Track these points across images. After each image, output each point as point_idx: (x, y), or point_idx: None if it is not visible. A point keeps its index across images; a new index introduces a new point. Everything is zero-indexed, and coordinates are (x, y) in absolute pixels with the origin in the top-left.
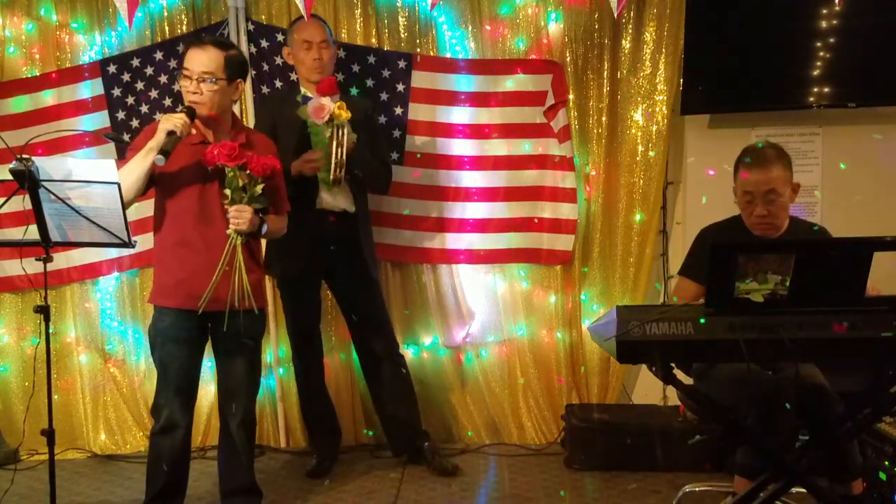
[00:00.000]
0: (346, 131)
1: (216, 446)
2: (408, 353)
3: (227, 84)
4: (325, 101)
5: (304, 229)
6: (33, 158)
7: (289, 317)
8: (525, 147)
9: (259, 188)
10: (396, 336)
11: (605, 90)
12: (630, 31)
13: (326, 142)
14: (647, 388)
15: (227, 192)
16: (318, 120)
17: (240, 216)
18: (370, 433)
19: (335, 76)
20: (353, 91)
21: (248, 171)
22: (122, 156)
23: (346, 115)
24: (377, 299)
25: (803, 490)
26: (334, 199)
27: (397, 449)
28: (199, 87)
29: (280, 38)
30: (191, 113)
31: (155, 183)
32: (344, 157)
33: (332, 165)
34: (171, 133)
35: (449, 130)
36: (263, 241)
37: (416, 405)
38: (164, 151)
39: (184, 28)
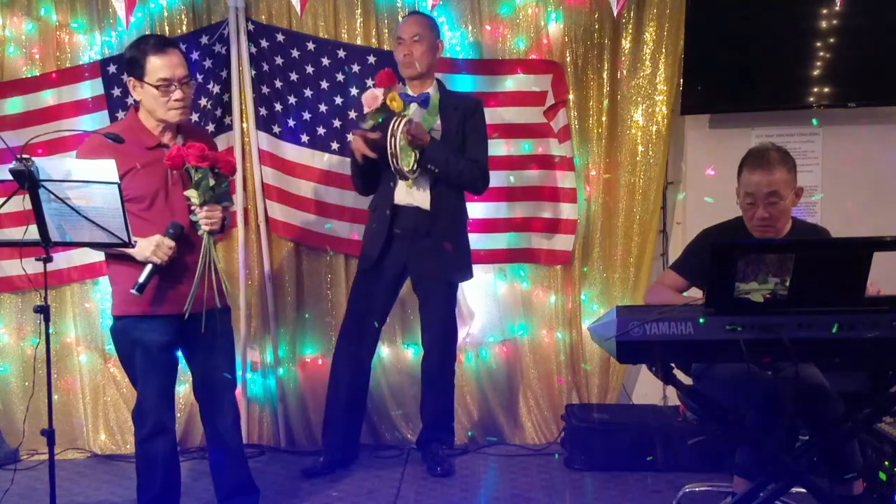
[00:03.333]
0: (399, 122)
1: None
2: (408, 353)
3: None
4: (378, 91)
5: (380, 223)
6: (33, 158)
7: (348, 306)
8: (525, 147)
9: (225, 186)
10: (395, 336)
11: (605, 90)
12: (630, 31)
13: (403, 136)
14: (647, 388)
15: (195, 193)
16: (367, 108)
17: (212, 216)
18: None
19: (333, 75)
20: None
21: (216, 170)
22: None
23: (395, 106)
24: (442, 303)
25: (803, 490)
26: (409, 195)
27: (419, 443)
28: (183, 91)
29: (280, 37)
30: (179, 233)
31: None
32: (396, 148)
33: (388, 155)
34: (154, 267)
35: None
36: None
37: (448, 411)
38: (140, 287)
39: (184, 28)
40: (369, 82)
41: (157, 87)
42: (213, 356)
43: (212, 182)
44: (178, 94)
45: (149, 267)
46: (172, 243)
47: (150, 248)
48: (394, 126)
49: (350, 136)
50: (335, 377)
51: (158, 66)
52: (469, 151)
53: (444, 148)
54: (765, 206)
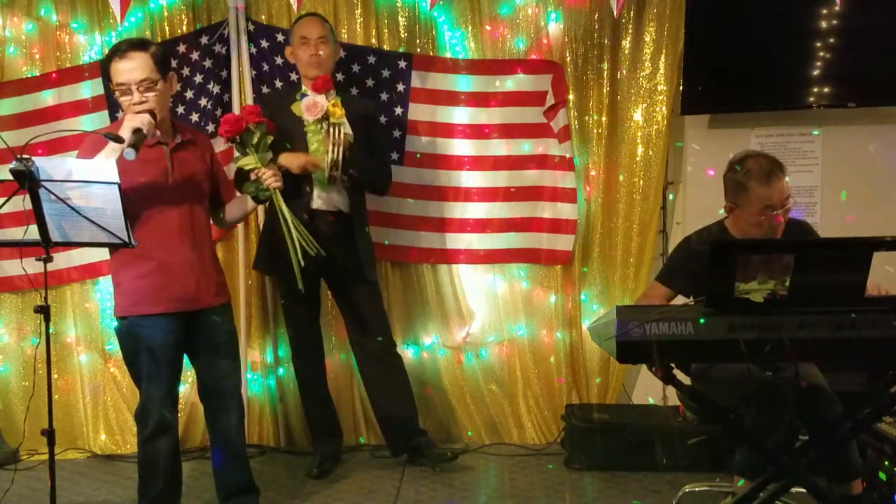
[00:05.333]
0: (341, 130)
1: None
2: (408, 353)
3: (164, 82)
4: (319, 98)
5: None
6: (33, 158)
7: (287, 318)
8: (525, 147)
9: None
10: (395, 336)
11: (605, 90)
12: (630, 31)
13: (321, 140)
14: (647, 388)
15: (254, 157)
16: (311, 116)
17: (277, 173)
18: (362, 439)
19: (333, 75)
20: (354, 91)
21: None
22: None
23: (340, 112)
24: (372, 299)
25: (803, 490)
26: (328, 199)
27: (396, 449)
28: (145, 96)
29: (280, 38)
30: (153, 113)
31: None
32: (340, 155)
33: (328, 164)
34: (136, 130)
35: (449, 130)
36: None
37: (413, 405)
38: (133, 146)
39: (184, 28)
40: (370, 82)
41: (115, 93)
42: (217, 355)
43: (268, 140)
44: (136, 98)
45: (132, 134)
46: (146, 114)
47: (128, 125)
48: (335, 135)
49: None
50: (302, 384)
51: (116, 71)
52: (376, 154)
53: (359, 152)
54: (783, 211)
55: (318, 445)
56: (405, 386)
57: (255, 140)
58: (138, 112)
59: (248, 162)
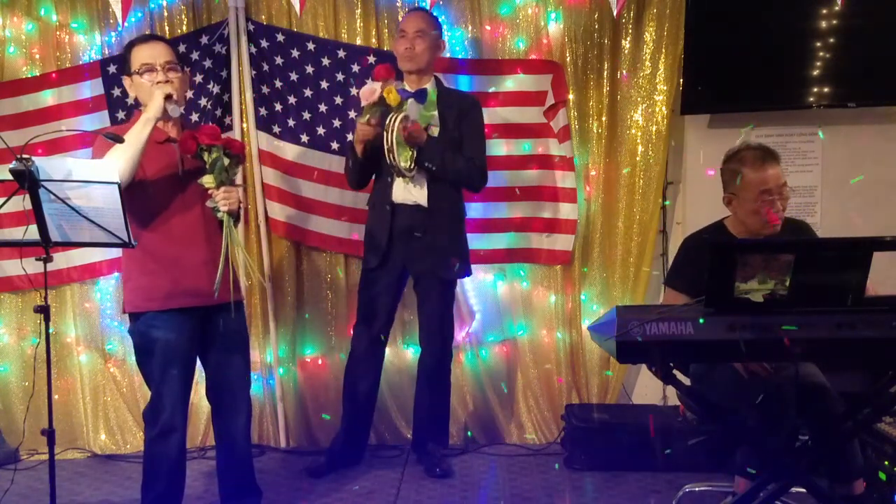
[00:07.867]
0: (396, 118)
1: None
2: (408, 352)
3: (183, 72)
4: (376, 85)
5: (380, 221)
6: (33, 158)
7: (359, 307)
8: (525, 147)
9: (238, 168)
10: (395, 336)
11: (605, 90)
12: (630, 31)
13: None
14: (647, 388)
15: (211, 176)
16: (365, 102)
17: (230, 196)
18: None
19: (333, 75)
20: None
21: (228, 151)
22: None
23: (393, 99)
24: (439, 302)
25: (803, 490)
26: (407, 193)
27: (415, 447)
28: (168, 75)
29: (280, 37)
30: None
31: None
32: (392, 143)
33: (385, 151)
34: (168, 96)
35: None
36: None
37: (445, 415)
38: (173, 103)
39: (184, 28)
40: (369, 82)
41: (140, 74)
42: (228, 354)
43: (226, 162)
44: (160, 77)
45: (164, 101)
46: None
47: (158, 94)
48: (389, 121)
49: (351, 135)
50: (351, 380)
51: (138, 55)
52: (466, 149)
53: (440, 146)
54: (780, 198)
55: (336, 447)
56: (442, 397)
57: (210, 160)
58: (158, 89)
59: (206, 181)
